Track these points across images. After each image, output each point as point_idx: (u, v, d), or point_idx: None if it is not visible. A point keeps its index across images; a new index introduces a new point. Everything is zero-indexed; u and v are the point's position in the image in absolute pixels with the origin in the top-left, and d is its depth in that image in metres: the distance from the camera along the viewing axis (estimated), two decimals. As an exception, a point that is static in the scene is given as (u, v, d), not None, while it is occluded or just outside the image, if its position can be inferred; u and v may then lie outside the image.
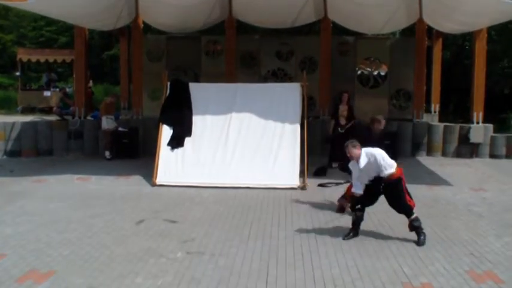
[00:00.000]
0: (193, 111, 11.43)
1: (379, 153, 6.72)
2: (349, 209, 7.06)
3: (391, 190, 6.82)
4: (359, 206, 6.95)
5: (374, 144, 7.15)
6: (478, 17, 11.85)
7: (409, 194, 6.93)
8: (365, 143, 7.06)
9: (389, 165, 6.71)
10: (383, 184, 6.79)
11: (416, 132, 14.61)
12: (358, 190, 6.90)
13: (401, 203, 6.84)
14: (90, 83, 19.01)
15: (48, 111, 21.22)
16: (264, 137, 11.01)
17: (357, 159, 6.75)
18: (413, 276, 5.62)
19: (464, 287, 5.38)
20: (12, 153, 13.96)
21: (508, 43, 18.95)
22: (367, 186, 6.88)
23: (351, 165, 7.00)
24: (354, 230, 6.94)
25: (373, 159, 6.68)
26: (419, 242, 6.65)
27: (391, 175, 6.74)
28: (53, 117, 17.14)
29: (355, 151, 6.76)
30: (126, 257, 6.17)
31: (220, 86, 12.39)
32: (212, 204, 8.78)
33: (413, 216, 6.78)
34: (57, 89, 22.05)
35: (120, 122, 14.43)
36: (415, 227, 6.75)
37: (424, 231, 6.79)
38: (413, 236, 6.85)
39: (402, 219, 7.70)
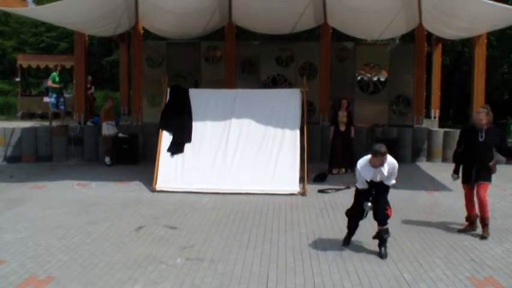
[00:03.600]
0: (193, 117, 11.44)
1: (397, 165, 6.49)
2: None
3: (379, 194, 6.61)
4: (351, 223, 6.77)
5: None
6: (477, 23, 11.87)
7: (388, 202, 6.73)
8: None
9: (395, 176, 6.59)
10: (374, 192, 6.61)
11: (416, 138, 14.62)
12: (361, 185, 6.61)
13: (384, 208, 6.60)
14: (92, 89, 18.99)
15: (48, 117, 21.21)
16: (263, 142, 11.01)
17: (377, 167, 6.39)
18: (414, 282, 5.61)
19: (465, 293, 5.38)
20: (12, 159, 13.97)
21: (507, 49, 18.97)
22: (359, 195, 6.68)
23: (360, 164, 6.54)
24: (349, 234, 6.85)
25: (392, 169, 6.45)
26: (383, 254, 6.42)
27: None
28: (53, 123, 17.13)
29: (379, 161, 6.32)
30: (125, 263, 6.16)
31: (220, 92, 12.40)
32: (212, 210, 8.77)
33: (386, 226, 6.58)
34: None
35: (120, 128, 14.43)
36: (383, 238, 6.52)
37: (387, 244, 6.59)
38: (413, 241, 6.84)
39: (403, 225, 7.71)
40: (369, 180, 6.55)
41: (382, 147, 6.33)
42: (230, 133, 11.16)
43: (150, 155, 12.17)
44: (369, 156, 6.47)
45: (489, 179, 7.42)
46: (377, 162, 6.34)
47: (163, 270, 5.95)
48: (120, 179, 11.44)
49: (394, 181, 6.61)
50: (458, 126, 16.32)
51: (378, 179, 6.52)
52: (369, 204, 6.56)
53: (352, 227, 6.85)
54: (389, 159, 6.44)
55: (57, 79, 16.20)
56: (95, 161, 14.11)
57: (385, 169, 6.40)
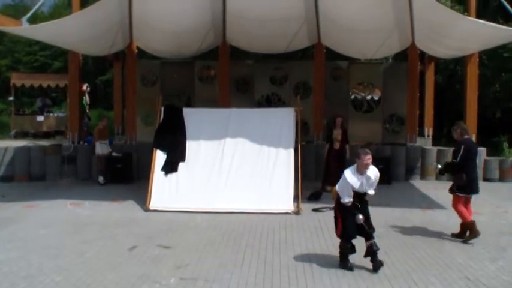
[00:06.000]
0: (187, 136, 11.44)
1: (378, 173, 6.68)
2: None
3: (362, 207, 6.67)
4: (349, 245, 6.66)
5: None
6: (469, 42, 11.99)
7: None
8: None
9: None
10: (359, 204, 6.65)
11: (409, 156, 14.65)
12: (347, 198, 6.61)
13: (370, 220, 6.69)
14: (87, 108, 19.00)
15: (41, 136, 21.19)
16: (257, 161, 11.00)
17: (366, 168, 6.56)
18: (409, 301, 5.59)
19: (460, 312, 5.35)
20: (4, 178, 13.90)
21: (499, 68, 19.13)
22: (350, 212, 6.63)
23: (348, 173, 6.65)
24: (344, 262, 6.68)
25: (374, 177, 6.61)
26: (377, 266, 6.46)
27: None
28: (46, 142, 17.09)
29: (370, 159, 6.54)
30: (118, 283, 6.10)
31: (214, 111, 12.41)
32: (206, 230, 8.73)
33: (374, 240, 6.60)
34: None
35: (113, 147, 14.40)
36: (374, 251, 6.53)
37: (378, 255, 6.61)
38: (407, 259, 6.81)
39: (397, 243, 7.69)
40: (356, 188, 6.60)
41: (367, 150, 6.66)
42: (224, 152, 11.15)
43: (144, 174, 12.13)
44: (355, 166, 6.66)
45: (454, 191, 8.22)
46: (367, 162, 6.51)
47: (157, 290, 5.90)
48: (114, 198, 11.39)
49: (373, 191, 6.72)
50: (451, 144, 16.34)
51: (364, 187, 6.62)
52: (360, 216, 6.53)
53: (348, 248, 6.65)
54: (372, 166, 6.63)
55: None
56: (88, 180, 14.05)
57: (372, 173, 6.59)
